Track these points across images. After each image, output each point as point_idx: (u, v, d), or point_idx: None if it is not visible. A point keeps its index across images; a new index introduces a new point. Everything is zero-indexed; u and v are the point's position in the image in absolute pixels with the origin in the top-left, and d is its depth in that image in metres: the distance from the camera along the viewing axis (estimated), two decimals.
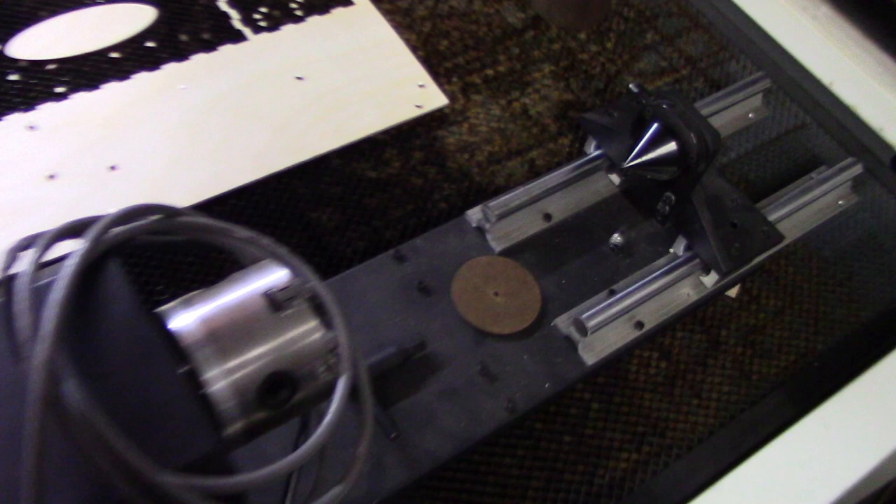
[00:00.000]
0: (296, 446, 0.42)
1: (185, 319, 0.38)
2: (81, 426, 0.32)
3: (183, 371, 0.37)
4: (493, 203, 0.69)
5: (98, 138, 0.73)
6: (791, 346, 0.76)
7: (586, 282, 0.70)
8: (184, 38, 0.83)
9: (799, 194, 0.79)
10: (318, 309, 0.41)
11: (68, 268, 0.35)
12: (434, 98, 0.84)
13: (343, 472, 0.41)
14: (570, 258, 0.71)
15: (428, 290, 0.66)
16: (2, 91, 0.75)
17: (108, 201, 0.69)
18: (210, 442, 0.36)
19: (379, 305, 0.64)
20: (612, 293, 0.68)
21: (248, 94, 0.79)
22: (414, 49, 0.88)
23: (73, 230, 0.38)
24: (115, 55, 0.80)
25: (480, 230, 0.70)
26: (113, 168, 0.72)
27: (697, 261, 0.71)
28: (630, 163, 0.68)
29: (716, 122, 0.77)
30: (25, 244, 0.37)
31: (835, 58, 0.98)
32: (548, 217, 0.73)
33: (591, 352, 0.66)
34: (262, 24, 0.86)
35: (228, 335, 0.38)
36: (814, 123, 0.93)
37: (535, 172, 0.82)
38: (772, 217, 0.75)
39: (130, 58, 0.80)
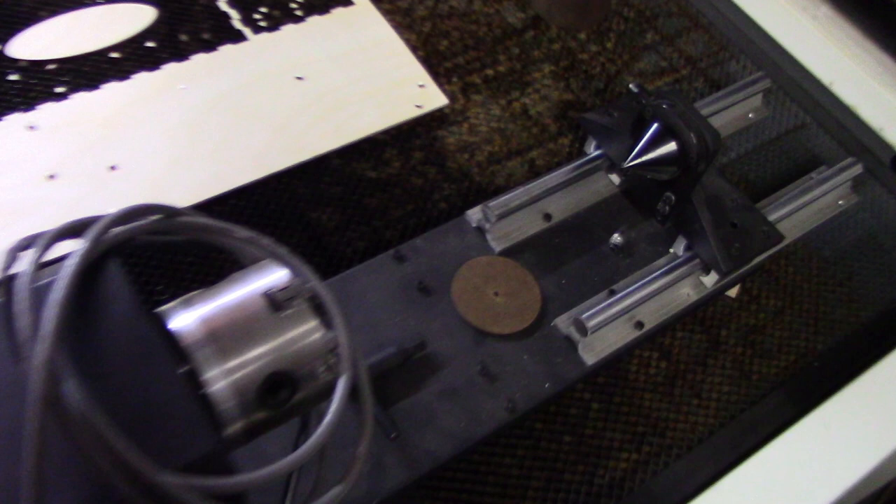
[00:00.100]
0: (296, 446, 0.42)
1: (185, 319, 0.38)
2: (81, 426, 0.32)
3: (183, 371, 0.37)
4: (493, 203, 0.69)
5: (98, 138, 0.73)
6: (791, 346, 0.76)
7: (586, 282, 0.70)
8: (184, 38, 0.83)
9: (799, 194, 0.79)
10: (318, 309, 0.41)
11: (68, 268, 0.35)
12: (434, 98, 0.84)
13: (343, 472, 0.41)
14: (570, 258, 0.71)
15: (428, 290, 0.66)
16: (2, 91, 0.75)
17: (108, 201, 0.69)
18: (210, 442, 0.36)
19: (379, 305, 0.64)
20: (612, 293, 0.68)
21: (248, 94, 0.79)
22: (414, 49, 0.88)
23: (73, 230, 0.38)
24: (115, 55, 0.80)
25: (480, 230, 0.70)
26: (113, 168, 0.72)
27: (697, 261, 0.71)
28: (630, 163, 0.68)
29: (716, 122, 0.77)
30: (25, 244, 0.37)
31: (835, 58, 0.98)
32: (548, 217, 0.73)
33: (591, 352, 0.66)
34: (262, 24, 0.86)
35: (228, 335, 0.38)
36: (814, 123, 0.93)
37: (535, 172, 0.82)
38: (772, 217, 0.75)
39: (130, 58, 0.80)
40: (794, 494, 0.65)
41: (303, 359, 0.40)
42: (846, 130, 0.92)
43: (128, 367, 0.36)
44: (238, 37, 0.84)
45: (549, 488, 0.63)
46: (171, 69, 0.80)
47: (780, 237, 0.73)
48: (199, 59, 0.81)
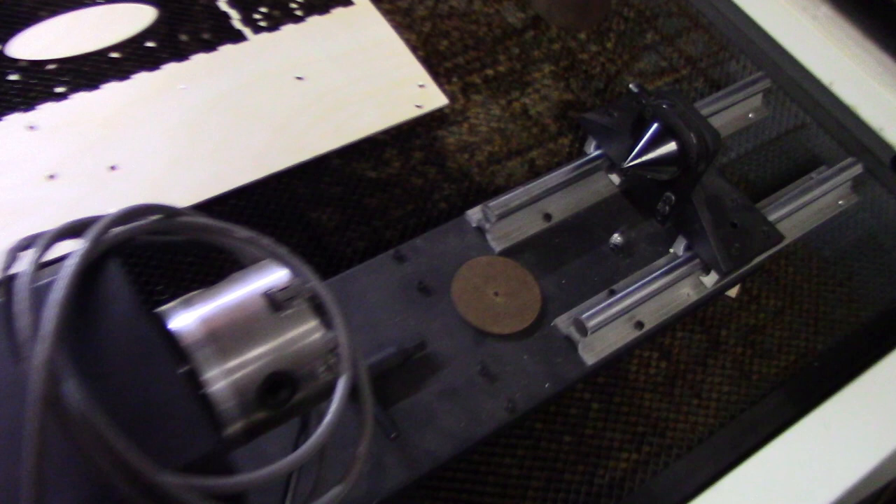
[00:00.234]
0: (296, 446, 0.42)
1: (185, 319, 0.38)
2: (81, 426, 0.32)
3: (183, 371, 0.37)
4: (493, 203, 0.69)
5: (98, 138, 0.73)
6: (791, 346, 0.76)
7: (586, 282, 0.70)
8: (184, 38, 0.83)
9: (799, 194, 0.79)
10: (318, 309, 0.41)
11: (68, 268, 0.35)
12: (434, 98, 0.84)
13: (343, 472, 0.41)
14: (570, 258, 0.71)
15: (428, 290, 0.66)
16: (2, 91, 0.75)
17: (108, 201, 0.69)
18: (210, 442, 0.36)
19: (379, 305, 0.64)
20: (612, 293, 0.68)
21: (248, 94, 0.79)
22: (414, 49, 0.88)
23: (73, 230, 0.38)
24: (115, 55, 0.80)
25: (480, 230, 0.70)
26: (113, 168, 0.72)
27: (697, 261, 0.71)
28: (630, 163, 0.68)
29: (716, 122, 0.77)
30: (25, 244, 0.37)
31: (835, 58, 0.98)
32: (548, 217, 0.73)
33: (591, 352, 0.66)
34: (262, 24, 0.86)
35: (228, 335, 0.38)
36: (814, 123, 0.93)
37: (535, 172, 0.82)
38: (772, 217, 0.75)
39: (130, 58, 0.80)
40: (794, 494, 0.65)
41: (303, 359, 0.40)
42: (846, 130, 0.92)
43: (128, 367, 0.36)
44: (238, 37, 0.84)
45: (549, 488, 0.63)
46: (171, 69, 0.80)
47: (780, 237, 0.73)
48: (199, 59, 0.81)
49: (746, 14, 1.00)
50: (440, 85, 0.85)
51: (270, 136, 0.76)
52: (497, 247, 0.70)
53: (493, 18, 0.94)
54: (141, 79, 0.79)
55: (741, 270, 0.72)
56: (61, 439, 0.32)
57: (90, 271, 0.37)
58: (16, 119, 0.73)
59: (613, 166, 0.75)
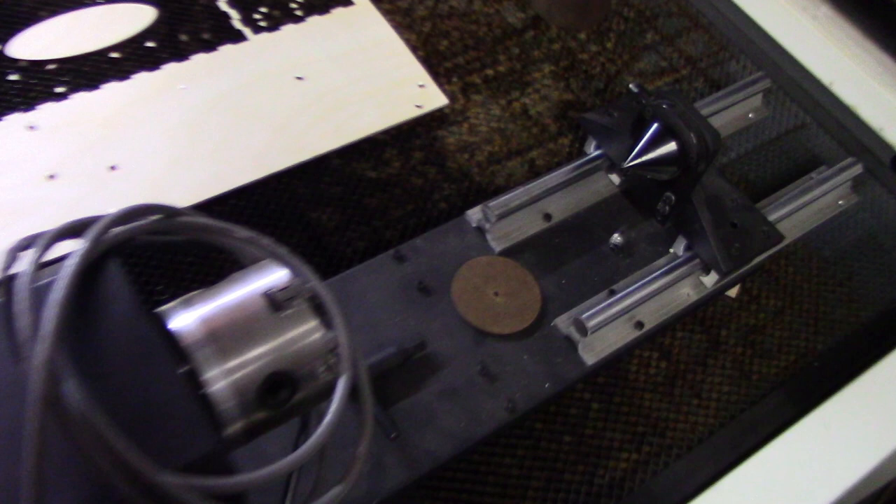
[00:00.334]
0: (296, 446, 0.42)
1: (185, 319, 0.38)
2: (81, 426, 0.32)
3: (183, 371, 0.37)
4: (493, 203, 0.69)
5: (98, 138, 0.73)
6: (791, 346, 0.76)
7: (586, 282, 0.70)
8: (184, 38, 0.83)
9: (799, 194, 0.79)
10: (318, 309, 0.41)
11: (68, 268, 0.35)
12: (434, 98, 0.84)
13: (343, 472, 0.41)
14: (570, 258, 0.71)
15: (428, 290, 0.66)
16: (2, 91, 0.75)
17: (108, 201, 0.69)
18: (210, 442, 0.36)
19: (379, 305, 0.64)
20: (612, 293, 0.68)
21: (248, 94, 0.79)
22: (414, 49, 0.88)
23: (73, 230, 0.38)
24: (115, 55, 0.80)
25: (480, 230, 0.70)
26: (113, 168, 0.72)
27: (697, 261, 0.71)
28: (630, 163, 0.68)
29: (716, 122, 0.77)
30: (25, 244, 0.37)
31: (835, 58, 0.98)
32: (548, 217, 0.73)
33: (591, 352, 0.66)
34: (262, 24, 0.86)
35: (228, 335, 0.38)
36: (814, 123, 0.93)
37: (535, 172, 0.82)
38: (772, 217, 0.75)
39: (130, 58, 0.80)
40: (794, 494, 0.65)
41: (303, 359, 0.40)
42: (846, 130, 0.92)
43: (128, 367, 0.36)
44: (238, 37, 0.84)
45: (549, 488, 0.63)
46: (171, 69, 0.80)
47: (780, 237, 0.73)
48: (199, 59, 0.81)
49: (746, 14, 1.00)
50: (440, 85, 0.85)
51: (270, 136, 0.76)
52: (497, 247, 0.70)
53: (493, 18, 0.94)
54: (141, 79, 0.79)
55: (741, 270, 0.72)
56: (61, 439, 0.32)
57: (90, 271, 0.37)
58: (16, 119, 0.73)
59: (613, 166, 0.75)
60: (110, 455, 0.32)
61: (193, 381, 0.37)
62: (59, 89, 0.76)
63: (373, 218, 0.75)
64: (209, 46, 0.82)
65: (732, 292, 0.78)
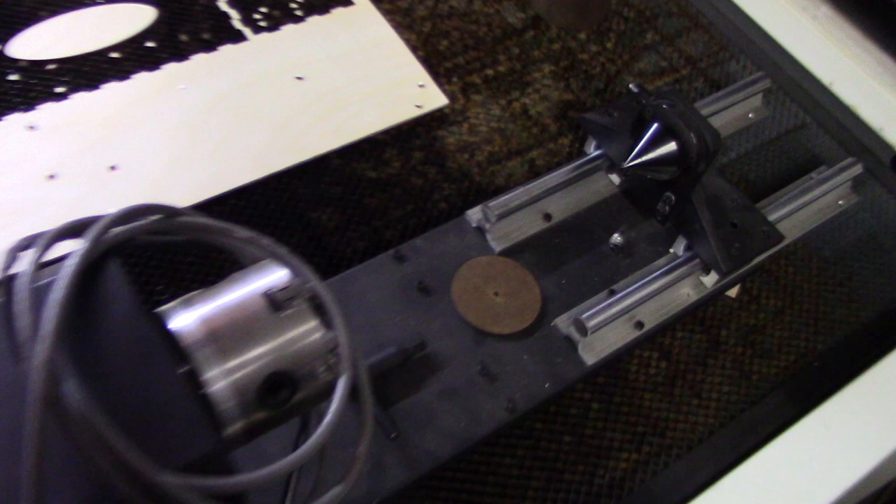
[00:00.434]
0: (296, 446, 0.42)
1: (185, 319, 0.38)
2: (81, 426, 0.32)
3: (183, 371, 0.37)
4: (493, 203, 0.69)
5: (98, 138, 0.73)
6: (791, 346, 0.76)
7: (586, 282, 0.70)
8: (184, 38, 0.83)
9: (799, 194, 0.79)
10: (318, 309, 0.41)
11: (68, 268, 0.35)
12: (434, 98, 0.84)
13: (343, 472, 0.41)
14: (570, 258, 0.71)
15: (428, 290, 0.66)
16: (2, 91, 0.75)
17: (108, 201, 0.69)
18: (210, 442, 0.36)
19: (379, 305, 0.64)
20: (612, 293, 0.68)
21: (248, 94, 0.79)
22: (414, 49, 0.88)
23: (73, 230, 0.38)
24: (115, 55, 0.80)
25: (480, 230, 0.70)
26: (113, 168, 0.72)
27: (697, 261, 0.71)
28: (630, 163, 0.68)
29: (716, 122, 0.77)
30: (25, 244, 0.37)
31: (835, 58, 0.98)
32: (548, 217, 0.73)
33: (591, 352, 0.66)
34: (262, 24, 0.86)
35: (228, 335, 0.38)
36: (814, 123, 0.93)
37: (535, 172, 0.82)
38: (772, 217, 0.75)
39: (130, 58, 0.80)
40: (794, 494, 0.65)
41: (303, 359, 0.40)
42: (846, 130, 0.92)
43: (128, 367, 0.36)
44: (238, 37, 0.84)
45: (549, 488, 0.63)
46: (171, 69, 0.80)
47: (780, 237, 0.73)
48: (199, 59, 0.81)
49: (746, 14, 1.00)
50: (440, 85, 0.85)
51: (270, 136, 0.76)
52: (497, 247, 0.70)
53: (493, 18, 0.94)
54: (141, 79, 0.79)
55: (741, 270, 0.72)
56: (61, 439, 0.32)
57: (90, 271, 0.37)
58: (16, 119, 0.73)
59: (613, 166, 0.75)
60: (110, 455, 0.32)
61: (193, 381, 0.37)
62: (59, 89, 0.76)
63: (373, 218, 0.75)
64: (209, 46, 0.82)
65: (732, 292, 0.78)
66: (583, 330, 0.64)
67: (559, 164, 0.77)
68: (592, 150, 0.76)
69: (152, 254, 0.68)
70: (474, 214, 0.71)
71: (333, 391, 0.40)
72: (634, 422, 0.68)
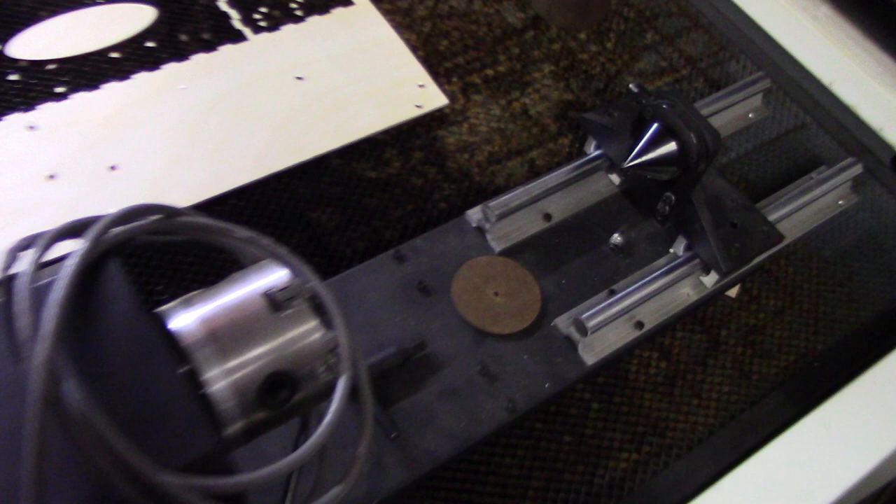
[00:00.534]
0: (296, 446, 0.42)
1: (185, 319, 0.38)
2: (81, 426, 0.32)
3: (183, 371, 0.37)
4: (493, 203, 0.69)
5: (98, 138, 0.73)
6: (791, 346, 0.76)
7: (586, 282, 0.70)
8: (184, 38, 0.83)
9: (799, 194, 0.79)
10: (318, 309, 0.41)
11: (68, 268, 0.35)
12: (434, 98, 0.84)
13: (343, 472, 0.41)
14: (570, 258, 0.71)
15: (428, 290, 0.66)
16: (2, 91, 0.75)
17: (108, 201, 0.69)
18: (210, 442, 0.36)
19: (379, 305, 0.64)
20: (612, 293, 0.68)
21: (248, 94, 0.79)
22: (414, 49, 0.88)
23: (73, 230, 0.38)
24: (115, 55, 0.80)
25: (480, 230, 0.70)
26: (113, 168, 0.72)
27: (697, 261, 0.71)
28: (630, 163, 0.68)
29: (716, 122, 0.77)
30: (25, 244, 0.37)
31: (835, 58, 0.98)
32: (548, 217, 0.73)
33: (591, 352, 0.66)
34: (262, 24, 0.86)
35: (228, 335, 0.38)
36: (814, 123, 0.93)
37: (535, 172, 0.82)
38: (772, 217, 0.75)
39: (130, 58, 0.80)
40: (794, 494, 0.65)
41: (303, 359, 0.40)
42: (846, 130, 0.92)
43: (128, 367, 0.36)
44: (238, 37, 0.84)
45: (549, 488, 0.63)
46: (171, 69, 0.80)
47: (780, 237, 0.73)
48: (199, 59, 0.81)
49: (746, 14, 1.00)
50: (440, 85, 0.85)
51: (270, 136, 0.76)
52: (497, 247, 0.70)
53: (493, 18, 0.94)
54: (141, 79, 0.79)
55: (741, 270, 0.72)
56: (61, 439, 0.32)
57: (90, 271, 0.37)
58: (16, 119, 0.73)
59: (613, 166, 0.75)
60: (110, 455, 0.32)
61: (193, 381, 0.37)
62: (59, 89, 0.76)
63: (373, 218, 0.75)
64: (209, 46, 0.82)
65: (732, 292, 0.78)
66: (583, 330, 0.64)
67: (559, 164, 0.77)
68: (592, 150, 0.76)
69: (152, 254, 0.68)
70: (474, 214, 0.71)
71: (333, 391, 0.40)
72: (634, 422, 0.68)
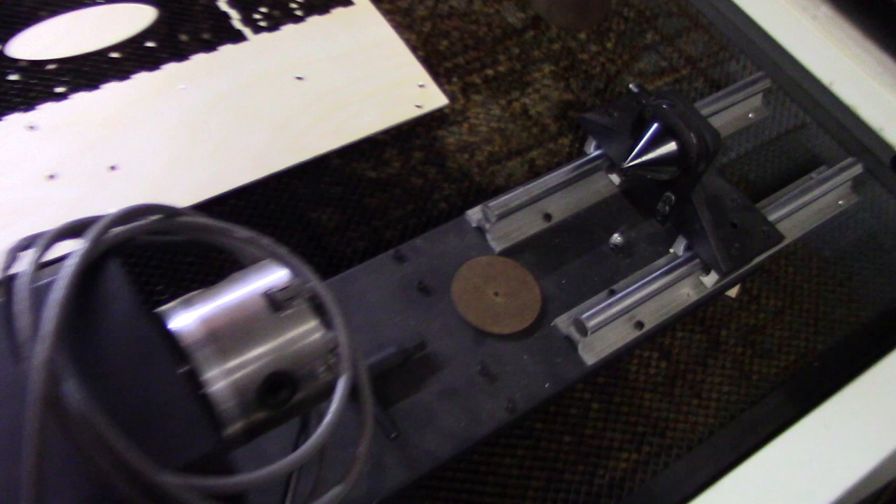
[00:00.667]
0: (296, 446, 0.42)
1: (185, 319, 0.38)
2: (81, 426, 0.32)
3: (183, 371, 0.37)
4: (493, 203, 0.69)
5: (98, 138, 0.73)
6: (791, 346, 0.76)
7: (586, 282, 0.70)
8: (184, 38, 0.83)
9: (799, 194, 0.79)
10: (318, 309, 0.41)
11: (68, 268, 0.35)
12: (434, 98, 0.84)
13: (343, 472, 0.41)
14: (570, 258, 0.71)
15: (428, 290, 0.66)
16: (2, 91, 0.75)
17: (108, 201, 0.69)
18: (210, 442, 0.36)
19: (379, 305, 0.64)
20: (612, 293, 0.68)
21: (248, 94, 0.79)
22: (414, 49, 0.88)
23: (73, 230, 0.38)
24: (115, 55, 0.80)
25: (480, 230, 0.70)
26: (113, 168, 0.72)
27: (697, 261, 0.71)
28: (630, 163, 0.68)
29: (716, 122, 0.77)
30: (25, 244, 0.37)
31: (835, 58, 0.98)
32: (548, 217, 0.73)
33: (591, 352, 0.66)
34: (262, 24, 0.86)
35: (228, 335, 0.38)
36: (814, 123, 0.93)
37: (535, 172, 0.82)
38: (772, 217, 0.75)
39: (130, 58, 0.80)
40: (794, 494, 0.65)
41: (303, 359, 0.40)
42: (846, 130, 0.92)
43: (128, 367, 0.36)
44: (238, 37, 0.84)
45: (549, 488, 0.63)
46: (171, 69, 0.80)
47: (780, 237, 0.73)
48: (199, 59, 0.81)
49: (746, 14, 1.00)
50: (440, 85, 0.85)
51: (270, 136, 0.76)
52: (497, 247, 0.70)
53: (493, 18, 0.94)
54: (141, 79, 0.79)
55: (741, 270, 0.72)
56: (61, 439, 0.32)
57: (90, 271, 0.37)
58: (16, 119, 0.73)
59: (613, 166, 0.75)
60: (110, 455, 0.32)
61: (193, 381, 0.37)
62: (59, 89, 0.76)
63: (373, 218, 0.75)
64: (209, 46, 0.82)
65: (732, 292, 0.78)
66: (583, 330, 0.64)
67: (559, 164, 0.77)
68: (592, 150, 0.76)
69: (152, 254, 0.68)
70: (474, 214, 0.71)
71: (333, 391, 0.40)
72: (634, 422, 0.68)
